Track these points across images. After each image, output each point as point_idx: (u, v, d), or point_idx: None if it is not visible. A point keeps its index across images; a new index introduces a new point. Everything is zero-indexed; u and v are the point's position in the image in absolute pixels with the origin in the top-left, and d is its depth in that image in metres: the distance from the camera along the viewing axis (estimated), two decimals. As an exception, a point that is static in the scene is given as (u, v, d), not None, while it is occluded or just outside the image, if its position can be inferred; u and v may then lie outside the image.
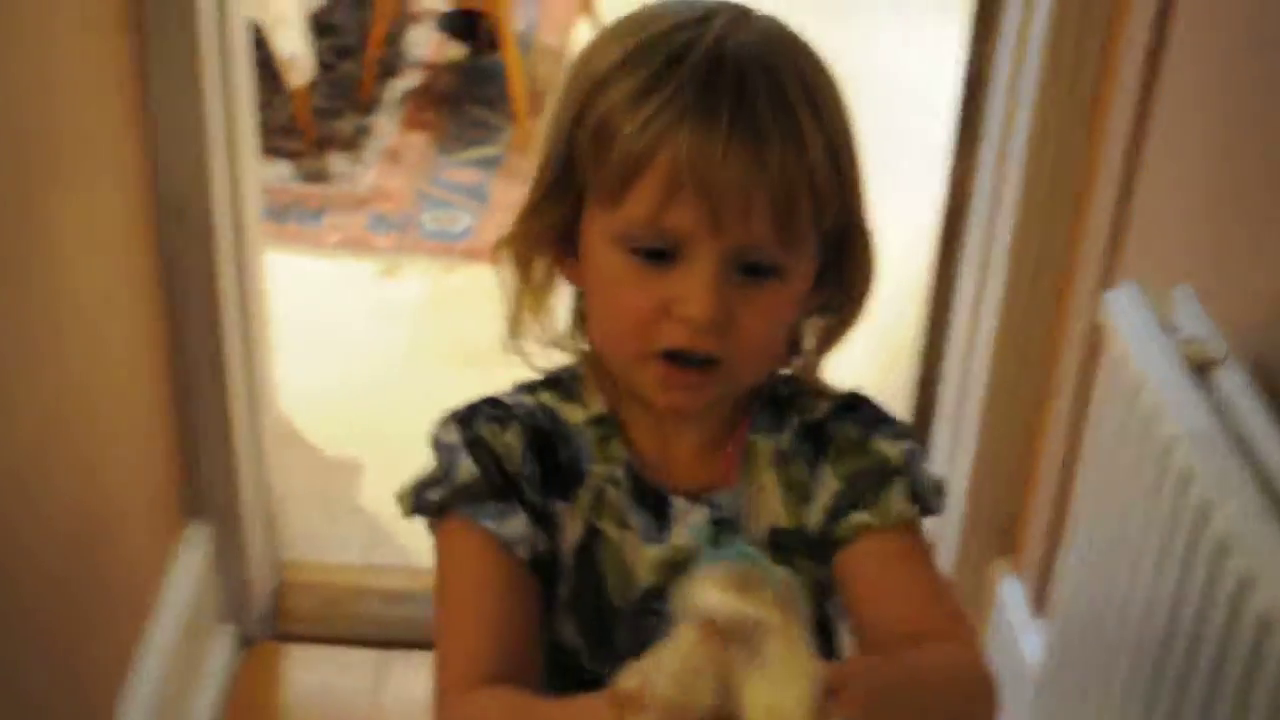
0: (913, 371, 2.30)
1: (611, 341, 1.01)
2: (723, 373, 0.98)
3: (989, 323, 1.99)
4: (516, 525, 1.00)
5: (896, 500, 1.03)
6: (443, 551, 1.03)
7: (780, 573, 0.80)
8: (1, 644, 1.40)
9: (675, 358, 0.96)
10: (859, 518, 1.03)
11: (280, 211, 3.33)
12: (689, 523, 1.04)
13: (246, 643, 2.15)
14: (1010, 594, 2.04)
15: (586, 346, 1.06)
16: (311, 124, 3.64)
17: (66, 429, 1.58)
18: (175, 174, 1.82)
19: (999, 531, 2.09)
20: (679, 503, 1.04)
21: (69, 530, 1.60)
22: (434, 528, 1.04)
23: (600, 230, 0.97)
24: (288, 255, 3.03)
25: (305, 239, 3.30)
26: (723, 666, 0.74)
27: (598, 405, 1.06)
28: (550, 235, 1.01)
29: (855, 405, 1.08)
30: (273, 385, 2.21)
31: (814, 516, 1.04)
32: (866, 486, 1.03)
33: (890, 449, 1.05)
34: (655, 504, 1.04)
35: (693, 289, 0.94)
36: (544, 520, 1.02)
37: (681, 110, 0.92)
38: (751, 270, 0.95)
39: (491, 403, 1.05)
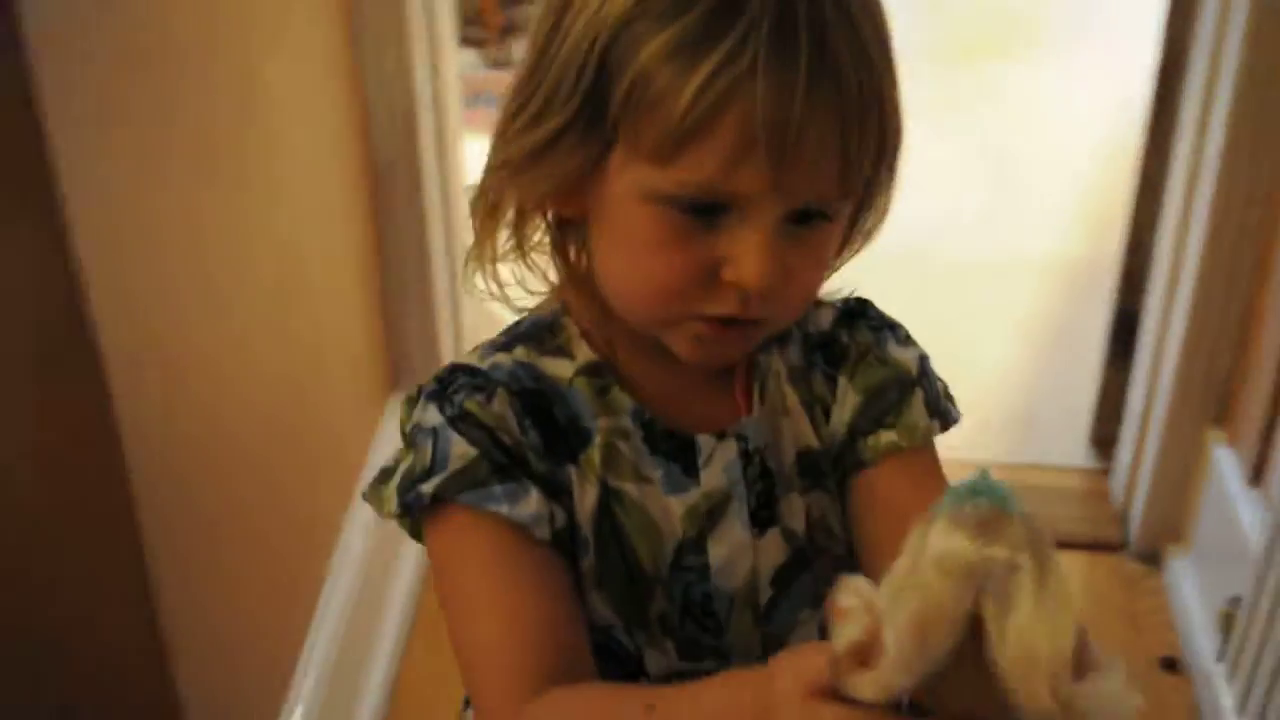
0: (1123, 238, 2.25)
1: (639, 301, 0.87)
2: (766, 327, 0.89)
3: (1206, 186, 1.92)
4: (531, 503, 0.86)
5: (919, 414, 0.95)
6: (446, 550, 0.88)
7: (1025, 511, 0.67)
8: (235, 488, 1.46)
9: (717, 318, 0.86)
10: (887, 437, 0.94)
11: (469, 99, 3.35)
12: (720, 462, 0.93)
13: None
14: (1225, 464, 1.98)
15: (565, 286, 0.93)
16: (496, 12, 3.68)
17: (283, 300, 1.62)
18: (380, 64, 1.89)
19: (1214, 400, 2.03)
20: (705, 442, 0.93)
21: (284, 397, 1.65)
22: (426, 525, 0.89)
23: (634, 183, 0.83)
24: (477, 140, 3.04)
25: (492, 124, 3.30)
26: (966, 616, 0.67)
27: (585, 353, 0.92)
28: (562, 186, 0.86)
29: (859, 310, 0.99)
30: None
31: (835, 434, 0.96)
32: (888, 400, 0.95)
33: (904, 356, 0.97)
34: (676, 449, 0.92)
35: (749, 253, 0.82)
36: (555, 490, 0.89)
37: (752, 61, 0.77)
38: (803, 217, 0.84)
39: (464, 370, 0.91)
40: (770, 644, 0.94)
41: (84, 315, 1.11)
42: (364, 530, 1.88)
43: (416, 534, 0.90)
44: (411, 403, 0.91)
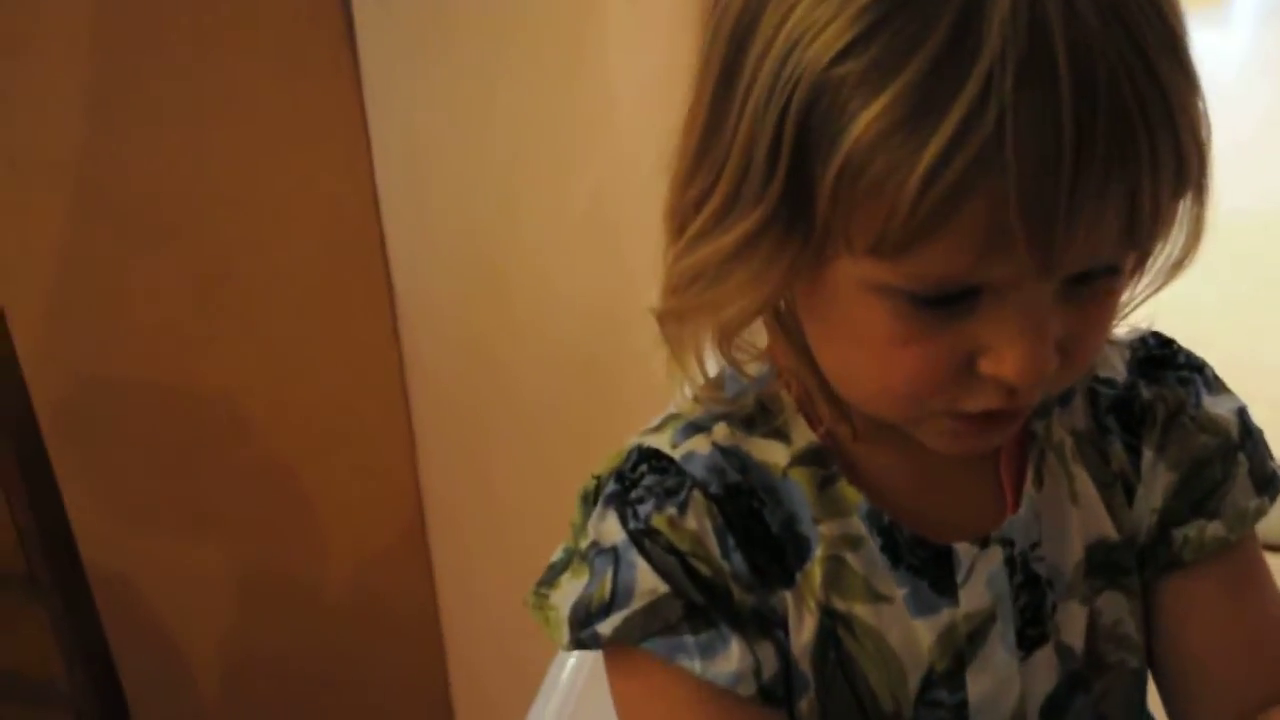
0: None
1: (873, 400, 0.68)
2: (1035, 403, 0.69)
3: None
4: (731, 659, 0.69)
5: (1244, 492, 0.76)
6: (631, 700, 0.73)
7: None
8: (536, 415, 1.40)
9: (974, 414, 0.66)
10: (1213, 531, 0.75)
11: None
12: (982, 575, 0.73)
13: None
14: None
15: (777, 348, 0.73)
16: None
17: (598, 220, 1.57)
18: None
19: None
20: (966, 552, 0.73)
21: (609, 312, 1.61)
22: (607, 659, 0.74)
23: (857, 275, 0.62)
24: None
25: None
26: None
27: (803, 434, 0.73)
28: (766, 298, 0.66)
29: (1162, 354, 0.79)
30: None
31: (1140, 522, 0.77)
32: (1211, 479, 0.76)
33: (1222, 412, 0.77)
34: (926, 561, 0.73)
35: (1013, 345, 0.62)
36: (765, 624, 0.71)
37: (999, 122, 0.55)
38: (1082, 278, 0.62)
39: (651, 458, 0.73)
40: None
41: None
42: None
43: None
44: (587, 500, 0.74)
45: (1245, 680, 0.76)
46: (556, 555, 0.75)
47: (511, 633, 1.42)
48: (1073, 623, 0.76)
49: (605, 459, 0.75)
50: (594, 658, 1.58)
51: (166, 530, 1.29)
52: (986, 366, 0.63)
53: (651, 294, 1.49)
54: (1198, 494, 0.76)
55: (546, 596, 0.74)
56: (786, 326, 0.70)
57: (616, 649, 0.71)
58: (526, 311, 1.36)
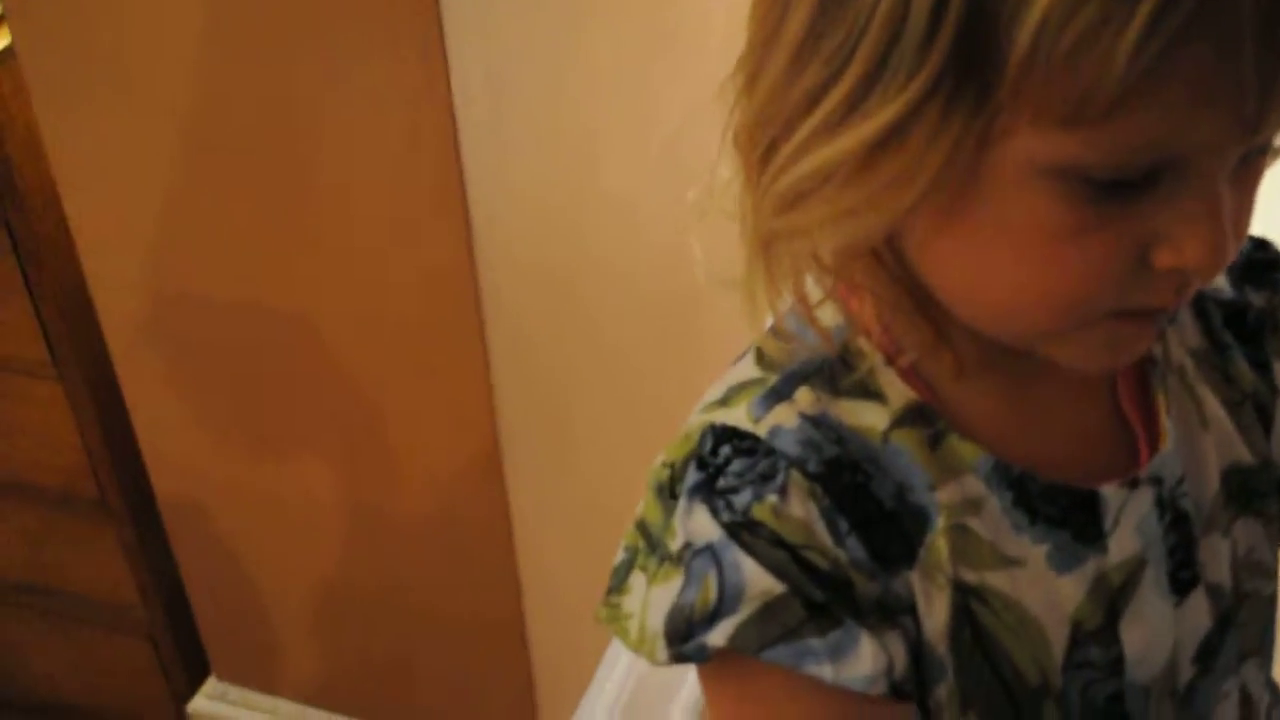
0: None
1: (1031, 310, 0.58)
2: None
3: None
4: (863, 658, 0.61)
5: None
6: (742, 712, 0.65)
7: None
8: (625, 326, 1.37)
9: (1139, 311, 0.59)
10: None
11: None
12: (1131, 519, 0.66)
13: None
14: None
15: (851, 291, 0.65)
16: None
17: (698, 131, 1.50)
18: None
19: None
20: (1113, 496, 0.65)
21: (687, 287, 1.53)
22: (710, 675, 0.65)
23: (1031, 155, 0.54)
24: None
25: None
26: None
27: (899, 390, 0.64)
28: (923, 192, 0.55)
29: (1265, 256, 0.72)
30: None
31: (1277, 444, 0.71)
32: None
33: None
34: (1065, 509, 0.65)
35: (1198, 227, 0.55)
36: (892, 611, 0.63)
37: None
38: (1244, 157, 0.57)
39: (732, 438, 0.63)
40: None
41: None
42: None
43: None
44: (662, 491, 0.65)
45: None
46: (619, 558, 0.67)
47: (587, 563, 1.39)
48: (1217, 558, 0.69)
49: (672, 444, 0.66)
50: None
51: (238, 454, 1.27)
52: (1163, 258, 0.56)
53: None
54: None
55: (619, 606, 0.65)
56: (878, 255, 0.61)
57: (723, 664, 0.62)
58: (605, 247, 1.32)
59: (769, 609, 0.60)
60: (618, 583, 0.66)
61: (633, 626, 0.64)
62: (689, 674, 1.69)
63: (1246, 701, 0.73)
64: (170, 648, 1.54)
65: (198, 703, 1.48)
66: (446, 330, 1.12)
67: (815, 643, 0.60)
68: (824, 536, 0.61)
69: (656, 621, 0.62)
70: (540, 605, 1.28)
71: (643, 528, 0.65)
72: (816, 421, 0.63)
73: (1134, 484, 0.66)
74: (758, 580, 0.60)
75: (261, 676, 1.45)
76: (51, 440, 1.42)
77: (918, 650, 0.64)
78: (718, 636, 0.60)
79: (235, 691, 1.47)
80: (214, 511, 1.33)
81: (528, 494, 1.22)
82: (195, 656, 1.50)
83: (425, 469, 1.22)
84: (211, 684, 1.48)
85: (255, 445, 1.26)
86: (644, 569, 0.64)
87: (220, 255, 1.15)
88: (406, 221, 1.08)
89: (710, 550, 0.61)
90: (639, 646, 0.63)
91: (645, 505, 0.66)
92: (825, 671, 0.60)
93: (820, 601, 0.60)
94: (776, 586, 0.60)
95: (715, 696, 0.65)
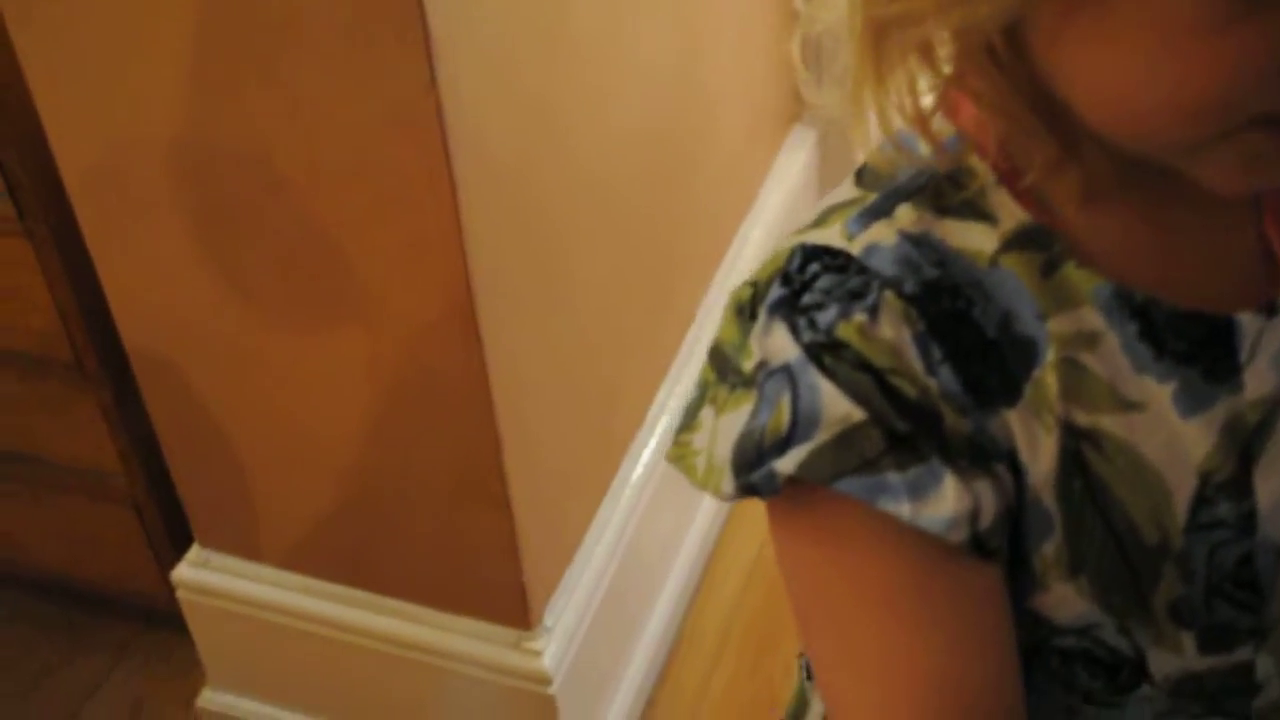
0: None
1: (1167, 116, 0.52)
2: None
3: None
4: (945, 499, 0.56)
5: None
6: (810, 557, 0.61)
7: None
8: (611, 210, 1.31)
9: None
10: None
11: None
12: (1268, 351, 0.60)
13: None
14: None
15: (967, 105, 0.60)
16: None
17: (682, 18, 1.46)
18: None
19: None
20: (1249, 324, 0.59)
21: (688, 114, 1.53)
22: (777, 507, 0.61)
23: None
24: None
25: None
26: None
27: (1012, 211, 0.59)
28: None
29: None
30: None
31: None
32: None
33: None
34: (1196, 342, 0.59)
35: None
36: (984, 455, 0.58)
37: None
38: None
39: (822, 255, 0.59)
40: None
41: None
42: (746, 269, 1.73)
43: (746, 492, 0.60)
44: (742, 310, 0.60)
45: None
46: (692, 396, 0.63)
47: (569, 419, 1.35)
48: None
49: (758, 266, 0.61)
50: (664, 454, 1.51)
51: (206, 305, 1.22)
52: None
53: (721, 59, 1.35)
54: None
55: (688, 444, 0.61)
56: (997, 57, 0.55)
57: (792, 496, 0.57)
58: (590, 71, 1.26)
59: (846, 437, 0.55)
60: (688, 419, 0.62)
61: (700, 463, 0.60)
62: (681, 544, 1.66)
63: None
64: (154, 515, 1.51)
65: (182, 570, 1.46)
66: (411, 170, 1.07)
67: (894, 477, 0.55)
68: (914, 363, 0.56)
69: (724, 450, 0.58)
70: (521, 464, 1.24)
71: (716, 354, 0.61)
72: (917, 241, 0.58)
73: (1271, 311, 0.60)
74: (836, 405, 0.56)
75: (245, 543, 1.42)
76: (23, 302, 1.39)
77: (1020, 502, 0.59)
78: (788, 463, 0.56)
79: (219, 558, 1.44)
80: (188, 371, 1.29)
81: (504, 345, 1.18)
82: (180, 524, 1.47)
83: (398, 319, 1.17)
84: (196, 551, 1.45)
85: (226, 299, 1.22)
86: (714, 401, 0.60)
87: (174, 97, 1.10)
88: (363, 52, 1.02)
89: (786, 371, 0.57)
90: (705, 482, 0.60)
91: (721, 327, 0.61)
92: (902, 509, 0.55)
93: (903, 433, 0.56)
94: (856, 413, 0.55)
95: (781, 533, 0.61)
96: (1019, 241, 0.58)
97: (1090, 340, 0.58)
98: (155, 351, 1.29)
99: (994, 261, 0.58)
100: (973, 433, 0.57)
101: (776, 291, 0.58)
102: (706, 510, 1.70)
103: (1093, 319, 0.58)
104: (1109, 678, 0.64)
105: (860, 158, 0.63)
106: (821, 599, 0.60)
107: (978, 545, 0.57)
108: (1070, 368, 0.58)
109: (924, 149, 0.59)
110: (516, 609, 1.32)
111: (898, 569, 0.57)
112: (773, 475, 0.56)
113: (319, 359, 1.22)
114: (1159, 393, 0.59)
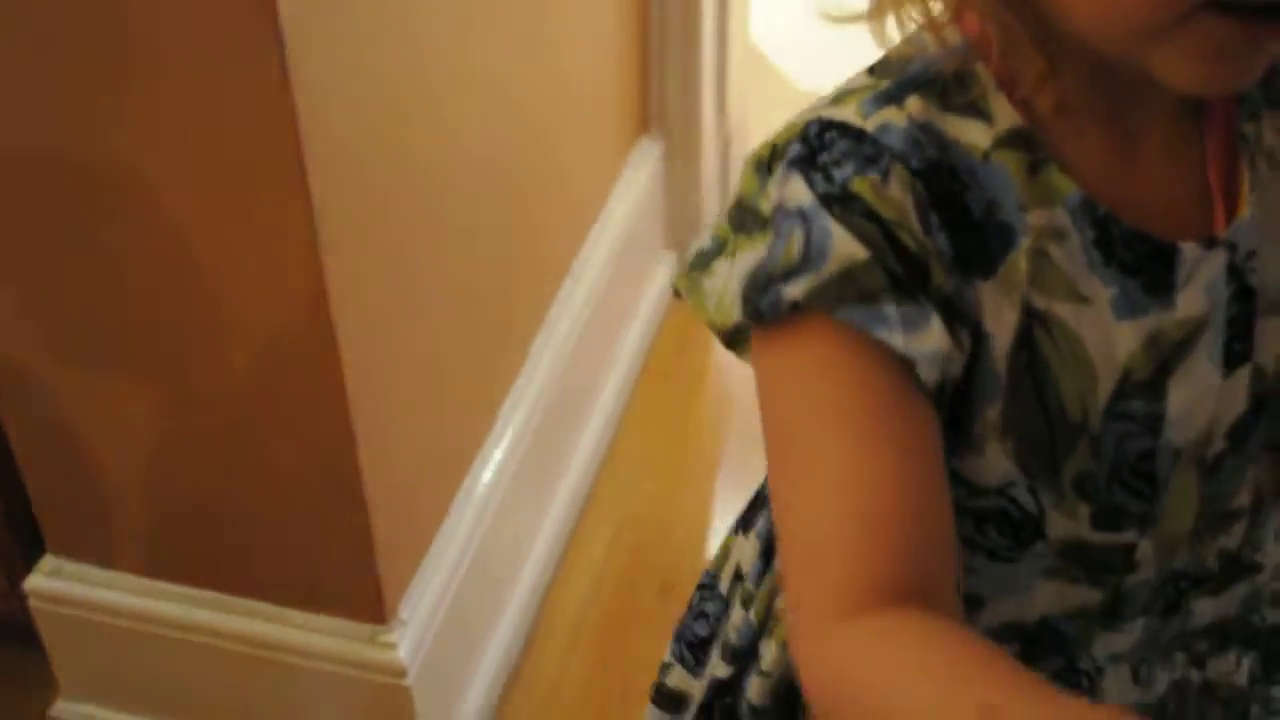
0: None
1: (1123, 7, 0.60)
2: None
3: None
4: (932, 335, 0.63)
5: None
6: (796, 381, 0.66)
7: None
8: (461, 217, 1.35)
9: (1232, 6, 0.58)
10: None
11: None
12: (1202, 279, 0.68)
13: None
14: None
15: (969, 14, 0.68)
16: None
17: (529, 27, 1.52)
18: None
19: None
20: (1191, 252, 0.68)
21: (534, 126, 1.56)
22: (767, 340, 0.67)
23: None
24: None
25: None
26: None
27: (1007, 114, 0.67)
28: None
29: None
30: (744, 9, 2.13)
31: None
32: None
33: None
34: (1142, 259, 0.68)
35: None
36: (956, 317, 0.65)
37: None
38: None
39: (839, 130, 0.66)
40: (1207, 511, 0.74)
41: None
42: (594, 273, 1.80)
43: (734, 343, 0.68)
44: (761, 166, 0.68)
45: None
46: (704, 243, 0.69)
47: (424, 419, 1.38)
48: (1271, 341, 0.71)
49: (776, 131, 0.68)
50: (526, 446, 1.55)
51: (57, 314, 1.23)
52: None
53: (567, 70, 1.39)
54: None
55: (699, 281, 0.68)
56: None
57: (794, 326, 0.64)
58: (436, 80, 1.30)
59: (851, 272, 0.62)
60: (702, 262, 0.69)
61: (711, 301, 0.67)
62: (535, 539, 1.70)
63: (1258, 506, 0.76)
64: (3, 525, 1.50)
65: (34, 580, 1.45)
66: (265, 174, 1.09)
67: (890, 310, 0.62)
68: (914, 221, 0.64)
69: (737, 284, 0.65)
70: (377, 461, 1.27)
71: (735, 209, 0.69)
72: (923, 127, 0.66)
73: (1211, 244, 0.68)
74: (844, 244, 0.63)
75: (98, 550, 1.42)
76: None
77: (977, 368, 0.67)
78: (796, 289, 0.63)
79: (72, 567, 1.44)
80: (39, 378, 1.30)
81: (359, 345, 1.21)
82: (32, 533, 1.46)
83: (253, 322, 1.20)
84: (49, 560, 1.45)
85: (76, 306, 1.23)
86: (730, 252, 0.68)
87: (22, 107, 1.11)
88: (215, 55, 1.05)
89: (800, 213, 0.64)
90: (715, 315, 0.67)
91: (741, 183, 0.68)
92: (896, 339, 0.62)
93: (901, 277, 0.63)
94: (861, 253, 0.63)
95: (769, 362, 0.67)
96: (1010, 141, 0.66)
97: (1058, 235, 0.66)
98: (4, 358, 1.30)
99: (987, 156, 0.66)
100: (952, 294, 0.65)
101: (795, 149, 0.66)
102: (559, 506, 1.75)
103: (1063, 219, 0.66)
104: (1014, 535, 0.72)
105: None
106: (795, 422, 0.65)
107: (938, 391, 0.64)
108: (1039, 256, 0.66)
109: (934, 50, 0.67)
110: (371, 604, 1.35)
111: (869, 393, 0.64)
112: (779, 300, 0.63)
113: (170, 363, 1.24)
114: (1103, 293, 0.67)
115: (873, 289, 0.62)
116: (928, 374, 0.63)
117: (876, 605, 0.60)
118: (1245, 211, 0.69)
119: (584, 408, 1.85)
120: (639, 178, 1.97)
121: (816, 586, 0.62)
